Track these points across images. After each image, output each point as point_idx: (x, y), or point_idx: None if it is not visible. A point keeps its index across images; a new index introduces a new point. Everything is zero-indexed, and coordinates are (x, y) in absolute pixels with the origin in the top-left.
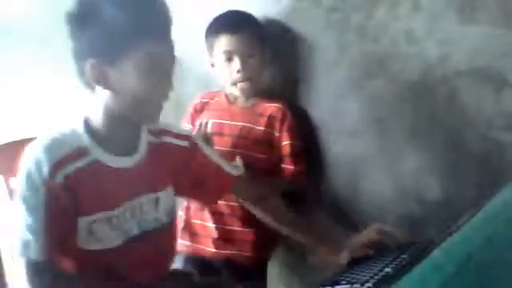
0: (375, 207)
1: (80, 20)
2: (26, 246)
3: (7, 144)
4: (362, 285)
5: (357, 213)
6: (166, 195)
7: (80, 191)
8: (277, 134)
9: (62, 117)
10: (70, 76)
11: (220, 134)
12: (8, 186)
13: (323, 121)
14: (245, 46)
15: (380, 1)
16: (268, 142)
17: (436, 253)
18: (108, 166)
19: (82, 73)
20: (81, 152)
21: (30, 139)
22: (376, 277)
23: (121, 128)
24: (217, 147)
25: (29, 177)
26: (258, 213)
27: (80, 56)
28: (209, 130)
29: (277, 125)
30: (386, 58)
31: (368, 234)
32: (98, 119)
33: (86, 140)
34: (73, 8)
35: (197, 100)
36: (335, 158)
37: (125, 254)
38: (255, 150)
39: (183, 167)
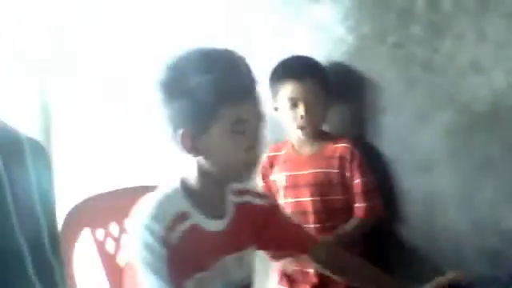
0: (453, 243)
1: (168, 89)
2: None
3: (93, 197)
4: None
5: (435, 252)
6: (249, 254)
7: (183, 254)
8: (348, 174)
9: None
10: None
11: (295, 186)
12: (95, 237)
13: (394, 157)
14: (310, 93)
15: (445, 33)
16: (341, 183)
17: None
18: (204, 230)
19: (175, 140)
20: (183, 216)
21: (115, 191)
22: None
23: (213, 190)
24: (295, 199)
25: (147, 245)
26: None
27: (171, 124)
28: (284, 183)
29: (347, 164)
30: (454, 89)
31: (442, 278)
32: (193, 181)
33: (186, 204)
34: (162, 76)
35: (265, 156)
36: (408, 194)
37: None
38: (331, 194)
39: (265, 226)
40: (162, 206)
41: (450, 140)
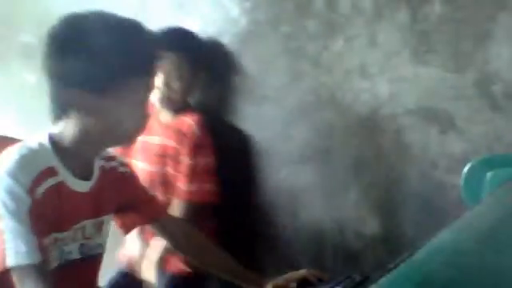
0: (313, 237)
1: (66, 46)
2: (16, 252)
3: None
4: None
5: (296, 246)
6: (109, 220)
7: (46, 210)
8: (183, 151)
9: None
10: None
11: (143, 151)
12: None
13: (269, 145)
14: (171, 67)
15: (338, 33)
16: (177, 160)
17: None
18: (70, 188)
19: (57, 97)
20: (51, 171)
21: None
22: None
23: (86, 151)
24: (141, 163)
25: (11, 191)
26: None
27: (62, 82)
28: (136, 145)
29: (185, 141)
30: (339, 89)
31: (295, 273)
32: (66, 140)
33: (54, 160)
34: (58, 30)
35: None
36: (277, 184)
37: (61, 277)
38: (168, 167)
39: (124, 192)
40: (30, 158)
41: (327, 138)
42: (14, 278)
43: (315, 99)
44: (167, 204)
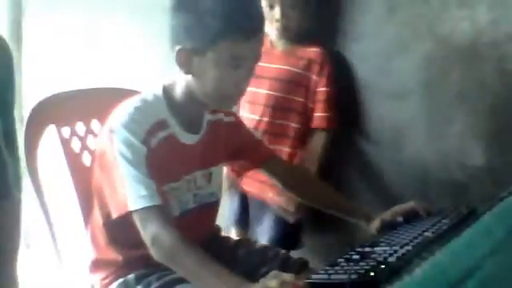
0: (418, 172)
1: (177, 5)
2: (137, 197)
3: (59, 94)
4: (402, 247)
5: (400, 179)
6: (218, 170)
7: (159, 160)
8: (315, 78)
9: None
10: None
11: (259, 77)
12: (60, 135)
13: (368, 81)
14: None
15: None
16: (305, 86)
17: (486, 218)
18: (179, 141)
19: (172, 52)
20: (163, 124)
21: (83, 90)
22: (416, 240)
23: (194, 107)
24: (255, 89)
25: (127, 142)
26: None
27: (172, 36)
28: None
29: (316, 68)
30: (436, 20)
31: (403, 205)
32: (177, 95)
33: (166, 113)
34: None
35: None
36: (380, 119)
37: (181, 226)
38: (291, 93)
39: (231, 140)
40: (144, 110)
41: (426, 70)
42: (137, 222)
43: (413, 32)
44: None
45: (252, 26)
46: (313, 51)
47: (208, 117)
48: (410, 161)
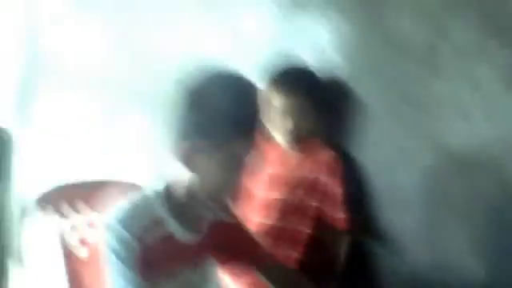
0: (418, 284)
1: (185, 104)
2: None
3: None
4: None
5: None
6: (214, 269)
7: (153, 258)
8: (329, 181)
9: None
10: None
11: (271, 182)
12: (59, 225)
13: (374, 188)
14: (300, 110)
15: (439, 75)
16: (319, 190)
17: None
18: (178, 240)
19: (176, 148)
20: (160, 222)
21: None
22: None
23: (195, 204)
24: (266, 194)
25: (121, 238)
26: None
27: (176, 136)
28: (264, 177)
29: (329, 171)
30: (437, 131)
31: None
32: (178, 192)
33: (164, 211)
34: (189, 84)
35: None
36: (383, 226)
37: None
38: (306, 198)
39: (230, 241)
40: (142, 207)
41: (428, 181)
42: None
43: (414, 142)
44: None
45: (253, 125)
46: (324, 154)
47: (209, 216)
48: (411, 273)
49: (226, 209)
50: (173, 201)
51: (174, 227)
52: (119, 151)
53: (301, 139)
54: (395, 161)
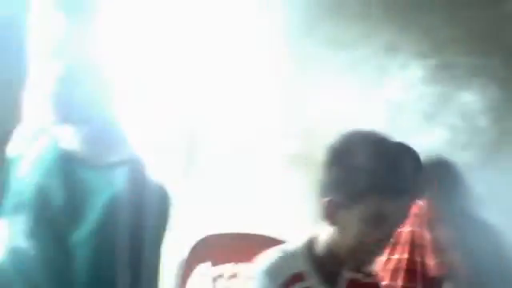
0: None
1: (335, 155)
2: None
3: (219, 235)
4: None
5: None
6: None
7: None
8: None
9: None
10: None
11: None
12: (212, 273)
13: None
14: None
15: None
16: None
17: None
18: None
19: (319, 204)
20: (300, 276)
21: (238, 234)
22: None
23: (334, 263)
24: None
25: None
26: None
27: (320, 191)
28: None
29: (421, 221)
30: None
31: None
32: (319, 248)
33: (306, 266)
34: (336, 142)
35: None
36: None
37: None
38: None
39: None
40: (285, 260)
41: None
42: None
43: None
44: None
45: (400, 186)
46: (416, 206)
47: (347, 274)
48: None
49: (364, 266)
50: (313, 255)
51: (313, 281)
52: (265, 206)
53: None
54: None
